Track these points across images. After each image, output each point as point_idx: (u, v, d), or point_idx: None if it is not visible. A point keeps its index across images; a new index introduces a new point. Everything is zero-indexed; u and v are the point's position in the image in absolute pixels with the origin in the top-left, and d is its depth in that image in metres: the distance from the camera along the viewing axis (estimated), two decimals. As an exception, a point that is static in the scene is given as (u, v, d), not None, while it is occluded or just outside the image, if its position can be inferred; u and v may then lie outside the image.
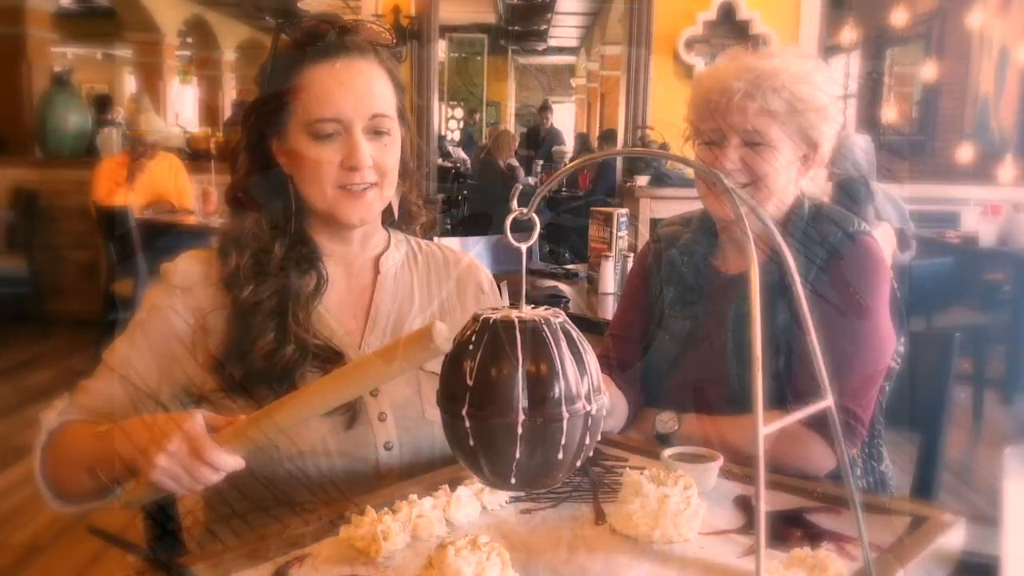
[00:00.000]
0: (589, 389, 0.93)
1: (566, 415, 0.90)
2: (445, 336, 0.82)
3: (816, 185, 1.51)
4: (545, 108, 12.77)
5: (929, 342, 1.64)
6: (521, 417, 0.89)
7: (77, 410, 1.18)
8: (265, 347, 1.18)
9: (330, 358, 1.20)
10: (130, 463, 1.01)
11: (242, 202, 1.24)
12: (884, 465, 1.50)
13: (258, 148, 1.23)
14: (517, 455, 0.91)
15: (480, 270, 1.40)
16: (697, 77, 1.52)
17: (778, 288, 1.32)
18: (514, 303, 0.94)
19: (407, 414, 1.23)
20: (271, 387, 1.16)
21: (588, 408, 0.92)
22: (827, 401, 0.76)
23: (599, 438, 0.98)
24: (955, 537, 0.98)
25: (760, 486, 0.64)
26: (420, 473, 1.21)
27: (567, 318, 0.95)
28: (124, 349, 1.21)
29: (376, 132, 1.20)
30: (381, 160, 1.20)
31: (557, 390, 0.90)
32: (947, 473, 1.74)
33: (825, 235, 1.42)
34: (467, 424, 0.91)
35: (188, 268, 1.24)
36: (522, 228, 0.93)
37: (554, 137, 12.24)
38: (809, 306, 1.32)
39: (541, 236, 7.63)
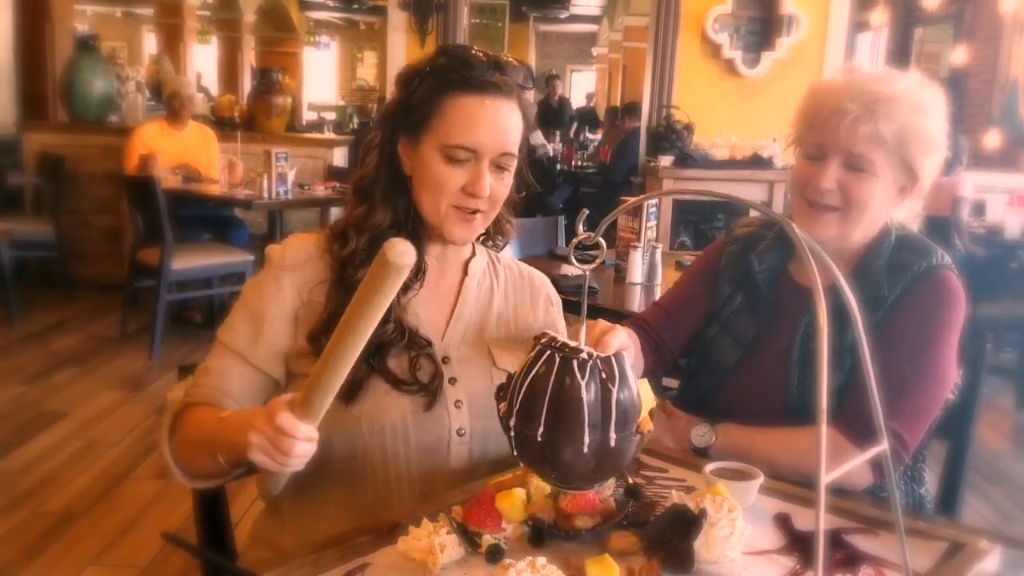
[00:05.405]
0: (636, 416, 0.99)
1: (624, 438, 0.97)
2: (399, 250, 0.83)
3: (910, 214, 1.48)
4: (553, 78, 12.76)
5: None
6: (586, 437, 0.97)
7: (200, 391, 1.25)
8: None
9: (419, 344, 1.29)
10: (239, 448, 1.06)
11: (366, 192, 1.32)
12: (924, 489, 1.51)
13: (387, 146, 1.32)
14: (579, 468, 1.00)
15: (549, 285, 1.51)
16: (812, 88, 1.45)
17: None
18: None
19: (481, 403, 1.30)
20: (367, 361, 1.23)
21: (638, 432, 0.98)
22: (883, 445, 0.79)
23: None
24: (990, 564, 1.02)
25: (820, 536, 0.68)
26: (487, 460, 1.30)
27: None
28: (238, 327, 1.29)
29: (499, 167, 1.28)
30: (497, 191, 1.29)
31: (614, 417, 0.97)
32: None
33: (908, 265, 1.41)
34: (536, 439, 1.00)
35: (295, 249, 1.33)
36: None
37: (565, 106, 12.23)
38: (884, 331, 1.31)
39: (561, 211, 7.66)
